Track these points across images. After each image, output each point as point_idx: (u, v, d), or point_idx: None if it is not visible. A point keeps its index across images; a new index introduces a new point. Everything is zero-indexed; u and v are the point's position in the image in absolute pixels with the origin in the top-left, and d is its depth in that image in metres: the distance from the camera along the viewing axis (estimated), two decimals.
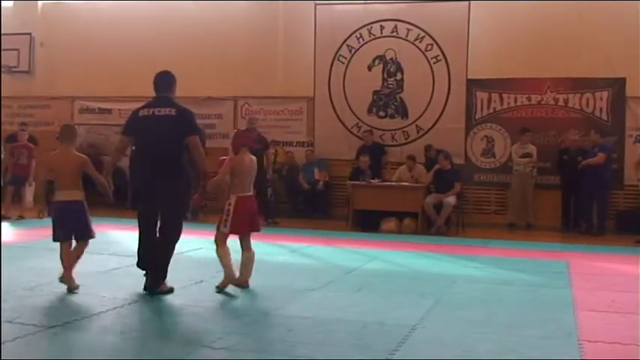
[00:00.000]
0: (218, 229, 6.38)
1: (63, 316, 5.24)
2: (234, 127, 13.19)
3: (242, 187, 6.40)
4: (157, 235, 6.27)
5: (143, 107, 6.36)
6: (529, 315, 5.76)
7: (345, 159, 13.67)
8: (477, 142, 13.20)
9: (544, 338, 5.01)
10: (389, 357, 4.45)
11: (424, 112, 13.40)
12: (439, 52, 13.27)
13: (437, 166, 11.98)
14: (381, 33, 13.61)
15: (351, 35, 13.76)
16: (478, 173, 13.22)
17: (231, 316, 5.61)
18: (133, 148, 6.60)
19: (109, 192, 6.35)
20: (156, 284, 6.15)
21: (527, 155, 12.42)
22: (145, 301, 5.95)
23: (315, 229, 11.65)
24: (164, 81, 6.44)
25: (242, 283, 6.43)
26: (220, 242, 6.35)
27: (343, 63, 13.82)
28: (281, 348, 4.59)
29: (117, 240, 9.30)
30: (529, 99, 12.87)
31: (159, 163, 6.16)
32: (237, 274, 6.40)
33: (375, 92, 13.69)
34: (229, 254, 6.36)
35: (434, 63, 13.31)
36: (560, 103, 12.70)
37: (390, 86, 13.62)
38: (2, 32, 15.54)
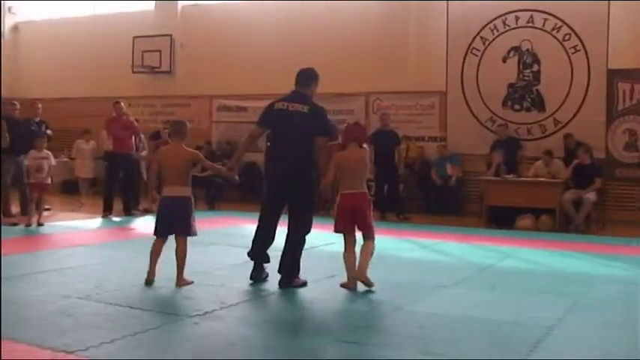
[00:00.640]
0: None
1: (201, 306, 5.43)
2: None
3: (347, 184, 6.22)
4: (288, 228, 6.37)
5: (279, 100, 6.49)
6: None
7: (478, 154, 13.38)
8: (619, 136, 12.56)
9: None
10: (526, 357, 4.32)
11: (562, 104, 12.90)
12: (578, 42, 12.73)
13: (576, 161, 11.50)
14: (517, 24, 13.23)
15: (484, 27, 13.47)
16: (620, 168, 12.57)
17: (362, 310, 5.63)
18: (269, 144, 6.74)
19: (228, 174, 6.63)
20: (289, 278, 6.27)
21: None
22: (279, 294, 6.10)
23: (448, 225, 11.48)
24: (304, 77, 6.53)
25: (361, 280, 6.12)
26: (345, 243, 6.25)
27: (476, 56, 13.56)
28: (414, 345, 4.55)
29: (252, 234, 9.51)
30: None
31: (290, 157, 6.26)
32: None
33: (510, 85, 13.32)
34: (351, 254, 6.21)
35: (572, 53, 12.79)
36: None
37: (526, 78, 13.21)
38: (145, 35, 16.46)
